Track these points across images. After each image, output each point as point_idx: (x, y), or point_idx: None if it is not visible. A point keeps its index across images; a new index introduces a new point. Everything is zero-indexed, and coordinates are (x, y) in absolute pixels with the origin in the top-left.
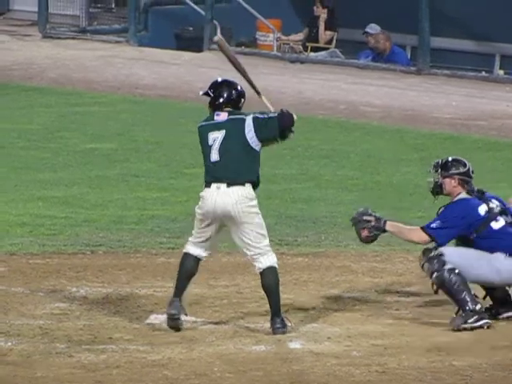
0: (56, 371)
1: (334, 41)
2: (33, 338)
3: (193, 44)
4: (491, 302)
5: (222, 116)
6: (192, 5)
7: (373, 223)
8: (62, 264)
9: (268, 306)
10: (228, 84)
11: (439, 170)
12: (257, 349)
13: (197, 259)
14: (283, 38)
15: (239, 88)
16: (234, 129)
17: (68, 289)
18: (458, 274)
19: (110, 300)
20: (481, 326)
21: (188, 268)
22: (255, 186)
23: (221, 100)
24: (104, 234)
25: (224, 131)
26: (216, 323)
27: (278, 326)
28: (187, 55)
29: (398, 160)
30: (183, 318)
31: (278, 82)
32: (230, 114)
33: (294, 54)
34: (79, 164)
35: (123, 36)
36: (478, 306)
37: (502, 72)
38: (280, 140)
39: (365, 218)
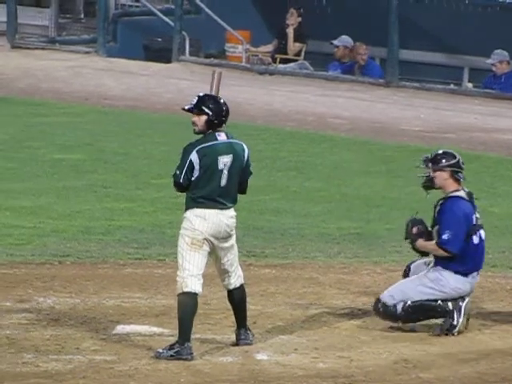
0: (23, 381)
1: (303, 53)
2: None
3: (161, 55)
4: None
5: (222, 137)
6: (161, 16)
7: (416, 231)
8: (29, 274)
9: (233, 317)
10: (225, 102)
11: (429, 164)
12: (223, 360)
13: (197, 295)
14: (252, 49)
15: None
16: (239, 154)
17: (35, 299)
18: (409, 304)
19: (77, 310)
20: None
21: (195, 309)
22: None
23: (223, 119)
24: (71, 244)
25: (231, 156)
26: None
27: (243, 337)
28: (156, 66)
29: (366, 172)
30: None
31: (246, 93)
32: (225, 134)
33: (263, 66)
34: (47, 174)
35: (92, 46)
36: (450, 306)
37: (470, 85)
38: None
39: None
